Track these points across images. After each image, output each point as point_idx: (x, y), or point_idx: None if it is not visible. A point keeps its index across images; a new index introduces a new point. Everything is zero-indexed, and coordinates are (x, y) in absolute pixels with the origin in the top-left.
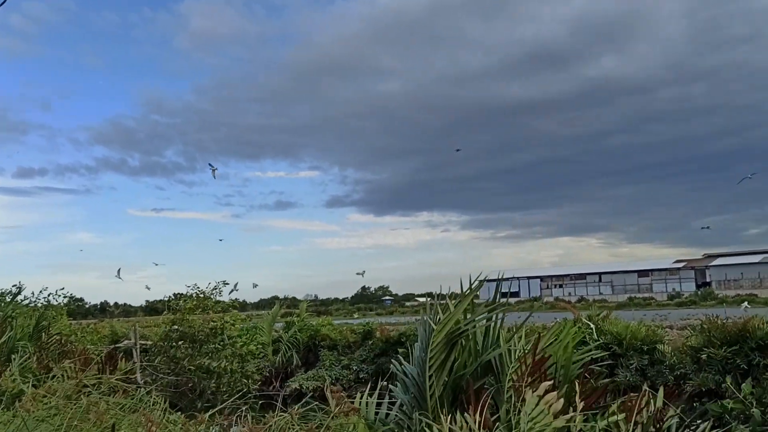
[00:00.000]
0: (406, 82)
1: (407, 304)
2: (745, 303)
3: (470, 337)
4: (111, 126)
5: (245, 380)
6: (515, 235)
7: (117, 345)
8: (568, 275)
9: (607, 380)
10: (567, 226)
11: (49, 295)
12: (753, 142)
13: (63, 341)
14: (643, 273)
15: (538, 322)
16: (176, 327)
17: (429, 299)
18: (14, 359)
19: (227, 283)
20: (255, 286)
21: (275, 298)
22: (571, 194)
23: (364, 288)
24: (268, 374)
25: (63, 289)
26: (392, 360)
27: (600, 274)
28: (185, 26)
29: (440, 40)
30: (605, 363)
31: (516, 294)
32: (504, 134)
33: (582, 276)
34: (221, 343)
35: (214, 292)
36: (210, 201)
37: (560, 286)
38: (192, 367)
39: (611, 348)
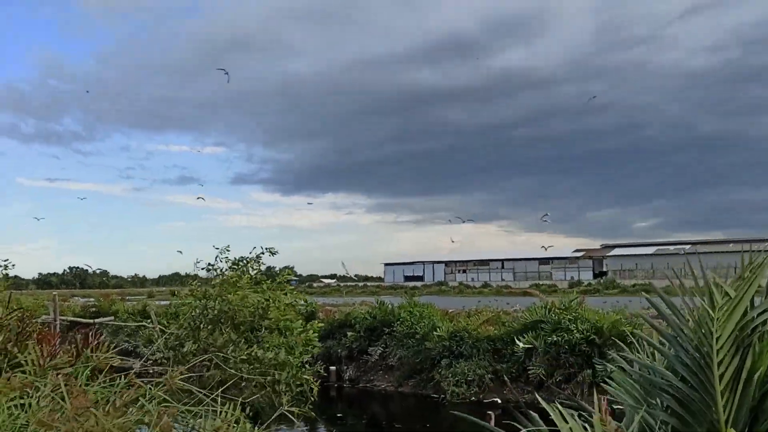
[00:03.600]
0: (316, 63)
1: (314, 285)
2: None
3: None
4: (3, 89)
5: (306, 379)
6: (417, 220)
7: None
8: (471, 261)
9: None
10: (469, 213)
11: None
12: (642, 141)
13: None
14: (543, 261)
15: (492, 304)
16: (212, 305)
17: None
18: None
19: (273, 252)
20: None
21: (176, 274)
22: (473, 182)
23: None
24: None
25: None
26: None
27: (502, 260)
28: None
29: (352, 24)
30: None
31: (420, 278)
32: (412, 121)
33: (485, 262)
34: (275, 327)
35: (252, 262)
36: (110, 173)
37: (464, 271)
38: (240, 358)
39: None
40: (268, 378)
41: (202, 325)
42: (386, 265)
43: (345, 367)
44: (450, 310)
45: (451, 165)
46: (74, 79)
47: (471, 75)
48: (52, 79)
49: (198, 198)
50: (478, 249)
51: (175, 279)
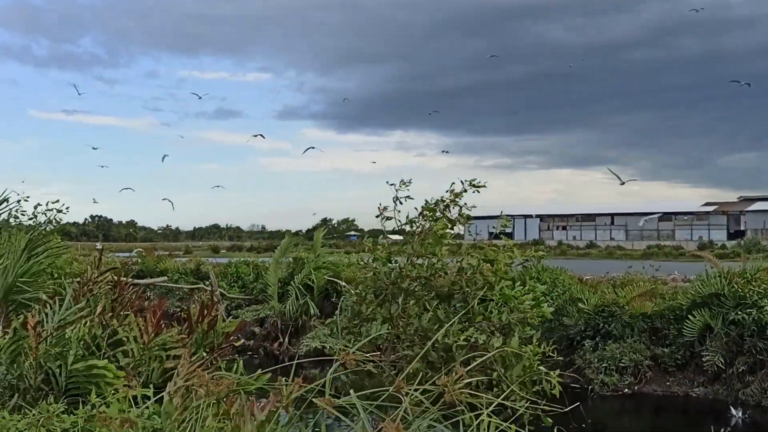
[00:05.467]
0: None
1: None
2: None
3: None
4: (13, 3)
5: (546, 374)
6: (504, 165)
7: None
8: (572, 215)
9: None
10: (568, 157)
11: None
12: None
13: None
14: (664, 217)
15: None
16: (410, 267)
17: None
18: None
19: (480, 186)
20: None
21: (215, 226)
22: (575, 118)
23: (324, 220)
24: (271, 327)
25: (57, 201)
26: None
27: (612, 215)
28: None
29: None
30: None
31: (509, 235)
32: (499, 40)
33: (590, 217)
34: (498, 299)
35: (453, 205)
36: (135, 104)
37: (563, 228)
38: (456, 345)
39: None
40: (494, 374)
41: (390, 298)
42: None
43: None
44: (587, 278)
45: (547, 97)
46: None
47: None
48: None
49: (255, 136)
50: (580, 201)
51: (213, 232)
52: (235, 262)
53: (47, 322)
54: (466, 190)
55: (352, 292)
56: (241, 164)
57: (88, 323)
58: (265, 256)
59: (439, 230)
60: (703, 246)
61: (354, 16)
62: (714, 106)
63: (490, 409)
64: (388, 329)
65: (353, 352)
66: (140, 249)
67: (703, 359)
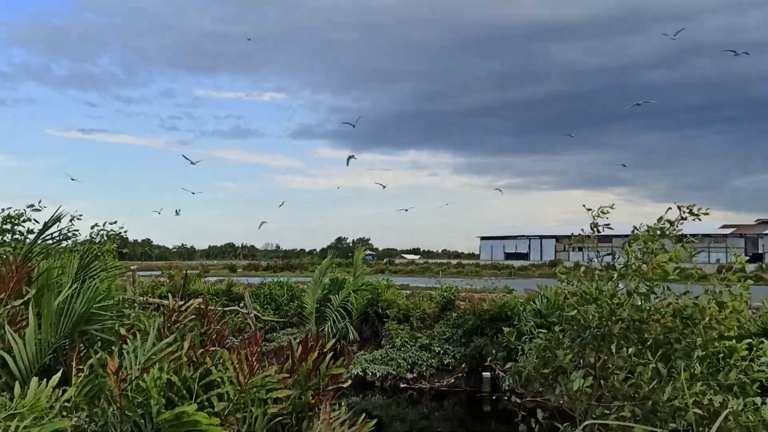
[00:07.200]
0: None
1: (396, 262)
2: None
3: None
4: (33, 23)
5: None
6: (517, 185)
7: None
8: (589, 236)
9: None
10: (581, 177)
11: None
12: None
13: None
14: (683, 239)
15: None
16: (626, 307)
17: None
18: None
19: (703, 213)
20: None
21: (229, 245)
22: (590, 139)
23: (339, 240)
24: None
25: (115, 222)
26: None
27: (629, 237)
28: None
29: None
30: None
31: (525, 256)
32: (515, 61)
33: (607, 239)
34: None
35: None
36: (152, 123)
37: (580, 249)
38: (693, 410)
39: None
40: None
41: (590, 341)
42: (482, 239)
43: (502, 374)
44: None
45: (561, 117)
46: (112, 12)
47: (592, 3)
48: (88, 11)
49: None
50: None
51: (227, 250)
52: (268, 282)
53: (131, 361)
54: (685, 218)
55: (543, 333)
56: (256, 182)
57: (175, 362)
58: (282, 275)
59: (663, 262)
60: (721, 269)
61: (370, 36)
62: (728, 128)
63: None
64: (591, 382)
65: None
66: (173, 268)
67: None
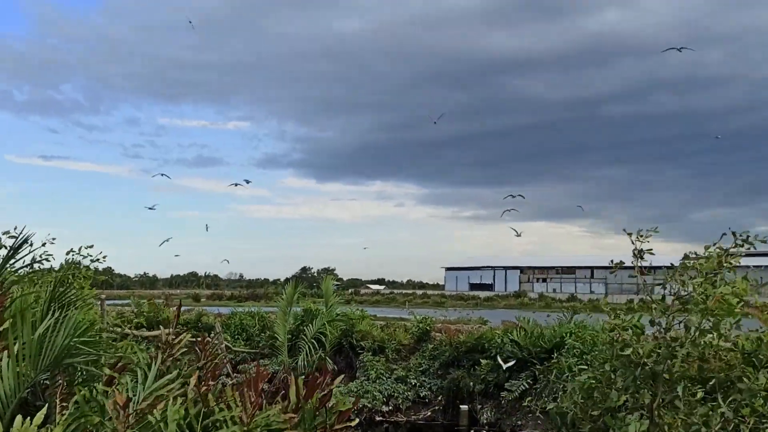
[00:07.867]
0: (369, 22)
1: (361, 292)
2: None
3: None
4: None
5: None
6: (482, 216)
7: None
8: (553, 268)
9: None
10: (545, 209)
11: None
12: (766, 123)
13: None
14: (645, 271)
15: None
16: (687, 346)
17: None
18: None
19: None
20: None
21: (192, 274)
22: (553, 171)
23: (304, 269)
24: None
25: (91, 246)
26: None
27: (592, 268)
28: None
29: None
30: None
31: (489, 287)
32: (481, 93)
33: (570, 270)
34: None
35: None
36: (114, 151)
37: (543, 280)
38: None
39: None
40: None
41: (644, 380)
42: (447, 269)
43: (480, 406)
44: None
45: (525, 149)
46: (77, 38)
47: (555, 39)
48: (51, 37)
49: (236, 185)
50: (558, 253)
51: (190, 279)
52: (239, 312)
53: (134, 397)
54: (741, 245)
55: (585, 370)
56: (219, 212)
57: (179, 400)
58: (247, 305)
59: (727, 296)
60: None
61: (336, 66)
62: (688, 162)
63: None
64: (648, 426)
65: None
66: (136, 296)
67: None
